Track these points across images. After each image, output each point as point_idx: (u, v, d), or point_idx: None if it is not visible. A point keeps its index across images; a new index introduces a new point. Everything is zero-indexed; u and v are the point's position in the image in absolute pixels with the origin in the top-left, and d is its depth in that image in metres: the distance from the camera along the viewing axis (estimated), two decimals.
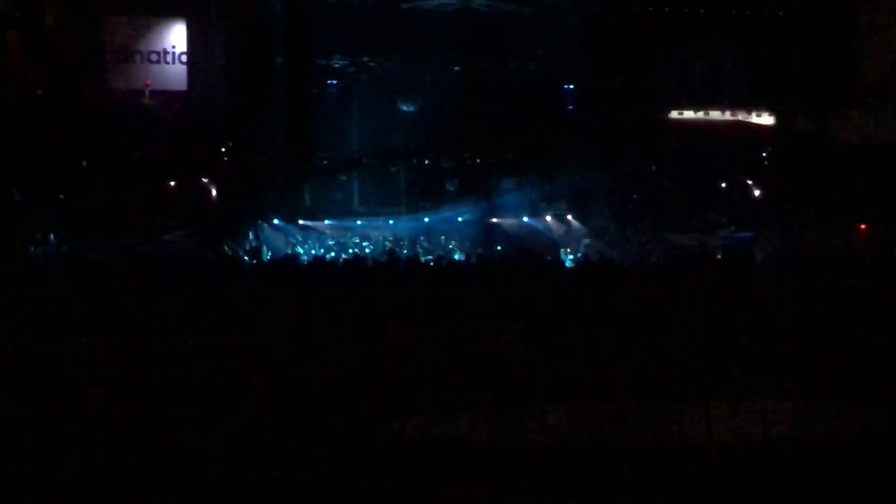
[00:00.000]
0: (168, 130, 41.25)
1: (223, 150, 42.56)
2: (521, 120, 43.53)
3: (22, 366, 20.68)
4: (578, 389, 16.41)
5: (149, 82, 41.89)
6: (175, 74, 42.55)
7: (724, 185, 44.68)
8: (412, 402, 16.50)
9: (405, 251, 41.14)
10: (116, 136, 39.96)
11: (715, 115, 46.01)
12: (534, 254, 40.77)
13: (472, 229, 42.59)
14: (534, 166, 42.64)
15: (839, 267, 35.88)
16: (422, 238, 42.63)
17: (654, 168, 44.61)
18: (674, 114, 45.64)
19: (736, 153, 45.20)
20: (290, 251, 40.92)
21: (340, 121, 44.07)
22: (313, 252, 41.41)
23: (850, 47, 44.13)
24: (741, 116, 46.14)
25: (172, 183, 41.17)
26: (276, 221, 42.00)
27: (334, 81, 44.22)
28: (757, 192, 44.38)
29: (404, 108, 44.38)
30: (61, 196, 39.27)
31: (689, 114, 45.79)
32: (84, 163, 39.82)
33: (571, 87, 45.40)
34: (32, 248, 37.28)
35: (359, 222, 43.15)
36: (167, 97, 42.10)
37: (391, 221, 43.19)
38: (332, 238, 42.54)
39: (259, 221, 41.54)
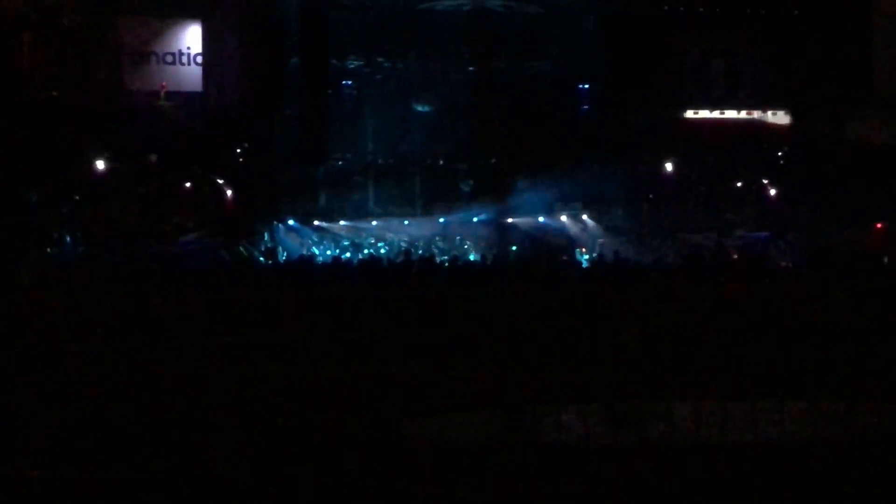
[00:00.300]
0: (183, 131, 41.28)
1: (238, 151, 42.60)
2: (536, 120, 43.49)
3: (38, 368, 20.72)
4: (593, 389, 16.38)
5: (164, 83, 41.95)
6: (190, 75, 42.58)
7: (739, 184, 44.58)
8: (427, 402, 16.48)
9: (420, 251, 41.11)
10: (132, 137, 40.01)
11: (730, 114, 45.89)
12: (549, 254, 40.71)
13: (487, 229, 42.56)
14: (549, 166, 42.57)
15: (855, 266, 35.75)
16: (437, 238, 42.63)
17: (669, 167, 44.49)
18: (689, 113, 45.53)
19: (752, 153, 45.09)
20: (305, 252, 40.94)
21: (355, 121, 44.08)
22: (328, 252, 41.43)
23: (867, 46, 43.96)
24: (757, 116, 46.00)
25: (188, 184, 41.25)
26: (291, 222, 42.06)
27: (349, 82, 44.22)
28: (773, 192, 44.27)
29: (419, 108, 44.37)
30: (77, 197, 39.38)
31: (704, 113, 45.66)
32: (99, 164, 39.90)
33: (586, 86, 45.32)
34: (48, 250, 37.36)
35: (374, 223, 43.17)
36: (182, 98, 42.13)
37: (406, 222, 43.20)
38: (347, 239, 42.57)
39: (274, 222, 41.59)
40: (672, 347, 20.57)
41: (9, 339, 23.23)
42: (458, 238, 42.50)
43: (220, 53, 42.17)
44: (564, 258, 40.83)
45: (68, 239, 38.27)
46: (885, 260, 38.33)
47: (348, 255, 41.19)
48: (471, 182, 43.83)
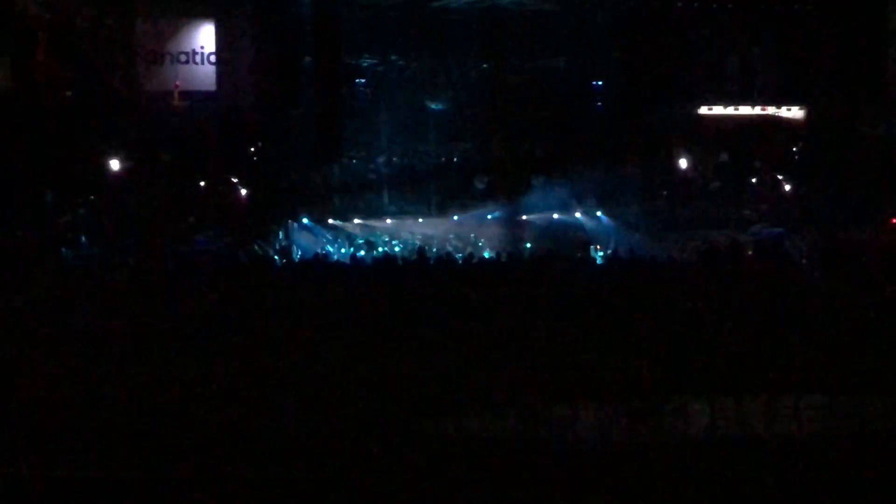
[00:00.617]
0: (197, 131, 41.36)
1: (252, 150, 42.67)
2: (551, 117, 43.46)
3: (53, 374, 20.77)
4: (609, 386, 16.37)
5: (178, 83, 42.02)
6: (204, 75, 42.64)
7: (754, 180, 44.49)
8: (444, 399, 16.49)
9: (434, 249, 41.12)
10: (146, 137, 40.11)
11: (745, 110, 45.78)
12: (564, 251, 40.65)
13: (501, 227, 42.53)
14: (563, 163, 42.54)
15: (870, 261, 35.65)
16: (451, 236, 42.64)
17: (683, 164, 44.43)
18: (704, 109, 45.44)
19: (767, 148, 45.00)
20: (319, 250, 40.97)
21: (369, 120, 44.10)
22: (343, 251, 41.47)
23: (882, 41, 43.84)
24: (772, 111, 45.89)
25: (202, 183, 41.33)
26: (305, 221, 42.11)
27: (363, 80, 44.23)
28: (788, 188, 44.18)
29: (433, 106, 44.37)
30: (92, 197, 39.48)
31: (719, 109, 45.56)
32: (114, 164, 40.00)
33: (600, 83, 45.27)
34: (64, 249, 37.47)
35: (388, 221, 43.20)
36: (196, 98, 42.20)
37: (420, 220, 43.22)
38: (362, 237, 42.60)
39: (289, 221, 41.64)
40: (692, 343, 20.55)
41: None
42: (472, 235, 42.52)
43: (234, 53, 42.23)
44: (579, 255, 40.78)
45: (83, 239, 38.40)
46: None
47: (363, 253, 41.22)
48: (485, 180, 43.82)
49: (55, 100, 39.78)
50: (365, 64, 44.00)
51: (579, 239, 42.41)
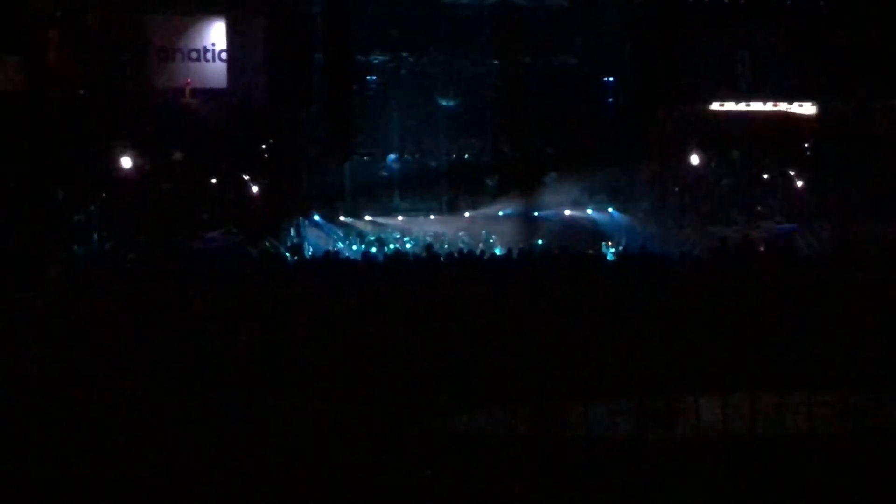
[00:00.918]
0: (209, 128, 41.37)
1: (264, 147, 42.68)
2: (562, 113, 43.39)
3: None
4: (621, 383, 16.34)
5: (189, 80, 42.01)
6: (216, 72, 42.63)
7: (767, 176, 44.40)
8: (456, 396, 16.47)
9: (446, 246, 41.11)
10: (158, 134, 40.15)
11: (757, 106, 45.66)
12: (576, 247, 40.60)
13: (513, 224, 42.51)
14: (575, 160, 42.49)
15: (883, 258, 35.53)
16: (462, 233, 42.63)
17: (695, 160, 44.34)
18: (716, 105, 45.32)
19: (780, 144, 44.89)
20: (330, 247, 40.98)
21: (380, 116, 44.08)
22: (354, 248, 41.47)
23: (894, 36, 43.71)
24: (784, 107, 45.77)
25: (213, 180, 41.36)
26: (316, 218, 42.12)
27: (374, 77, 44.20)
28: (801, 184, 44.07)
29: (444, 102, 44.33)
30: (103, 194, 39.53)
31: (730, 105, 45.44)
32: (125, 161, 40.05)
33: (612, 79, 45.19)
34: (75, 247, 37.53)
35: (399, 218, 43.19)
36: (208, 95, 42.20)
37: (432, 217, 43.21)
38: (373, 234, 42.61)
39: (300, 218, 41.65)
40: (701, 341, 20.51)
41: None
42: (483, 232, 42.50)
43: (245, 50, 42.22)
44: (590, 252, 40.73)
45: (95, 237, 38.44)
46: None
47: (374, 250, 41.22)
48: (496, 177, 43.79)
49: (67, 97, 39.81)
50: (376, 61, 43.95)
51: (591, 235, 42.37)
